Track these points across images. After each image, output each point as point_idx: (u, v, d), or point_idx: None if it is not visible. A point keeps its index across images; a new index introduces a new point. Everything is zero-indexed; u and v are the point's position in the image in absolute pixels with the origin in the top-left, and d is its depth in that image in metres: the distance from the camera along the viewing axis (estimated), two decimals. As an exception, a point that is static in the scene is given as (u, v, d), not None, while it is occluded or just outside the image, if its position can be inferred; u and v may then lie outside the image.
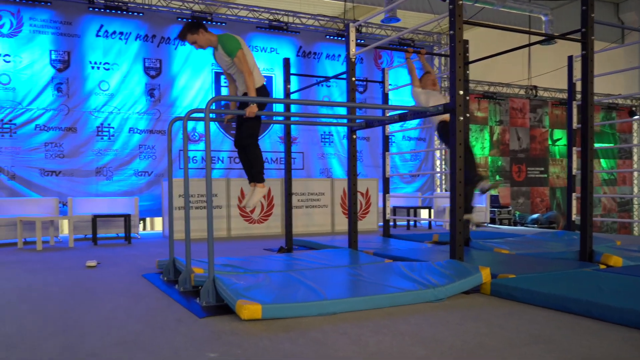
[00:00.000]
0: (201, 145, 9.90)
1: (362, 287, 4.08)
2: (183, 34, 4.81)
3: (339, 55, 11.00)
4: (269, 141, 10.45)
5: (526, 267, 4.89)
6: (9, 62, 8.77)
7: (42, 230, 7.50)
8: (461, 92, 4.27)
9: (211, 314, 3.61)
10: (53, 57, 9.03)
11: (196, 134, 9.90)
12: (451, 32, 4.31)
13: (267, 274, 4.44)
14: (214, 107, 4.35)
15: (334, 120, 8.19)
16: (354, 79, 5.57)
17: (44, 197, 8.61)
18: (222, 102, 8.40)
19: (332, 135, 10.97)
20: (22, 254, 6.92)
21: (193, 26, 4.79)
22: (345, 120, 6.15)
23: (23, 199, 8.43)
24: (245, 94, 4.83)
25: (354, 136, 5.67)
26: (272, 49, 10.43)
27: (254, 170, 5.04)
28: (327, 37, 10.91)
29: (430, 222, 10.15)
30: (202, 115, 5.17)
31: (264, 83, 4.94)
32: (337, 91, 10.90)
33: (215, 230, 8.43)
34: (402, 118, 4.83)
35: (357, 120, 5.55)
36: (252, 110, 4.63)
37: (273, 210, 9.13)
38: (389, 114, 5.16)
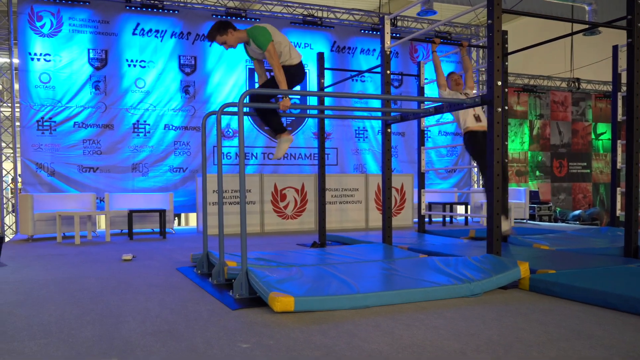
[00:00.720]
0: (235, 142, 9.96)
1: (395, 281, 4.01)
2: (212, 36, 4.73)
3: (374, 50, 10.90)
4: (303, 137, 10.43)
5: (567, 262, 4.73)
6: (49, 61, 8.97)
7: (80, 225, 7.65)
8: (499, 83, 4.15)
9: (244, 306, 3.60)
10: (91, 55, 9.20)
11: (230, 130, 9.95)
12: (489, 21, 4.19)
13: (299, 268, 4.42)
14: (246, 101, 4.35)
15: (368, 114, 8.10)
16: (388, 72, 5.48)
17: (82, 193, 8.79)
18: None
19: (366, 130, 10.88)
20: (61, 248, 7.07)
21: (221, 26, 4.71)
22: (379, 114, 6.06)
23: (62, 195, 8.62)
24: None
25: (389, 130, 5.59)
26: (306, 44, 10.41)
27: (273, 123, 4.95)
28: (362, 31, 10.82)
29: (466, 218, 9.96)
30: (234, 109, 5.19)
31: (301, 60, 4.86)
32: (371, 86, 10.80)
33: (248, 225, 8.47)
34: (438, 110, 4.73)
35: (392, 114, 5.46)
36: (285, 104, 4.59)
37: (307, 206, 9.10)
38: (424, 106, 5.07)
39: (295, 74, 4.75)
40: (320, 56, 6.63)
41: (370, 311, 3.46)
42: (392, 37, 10.93)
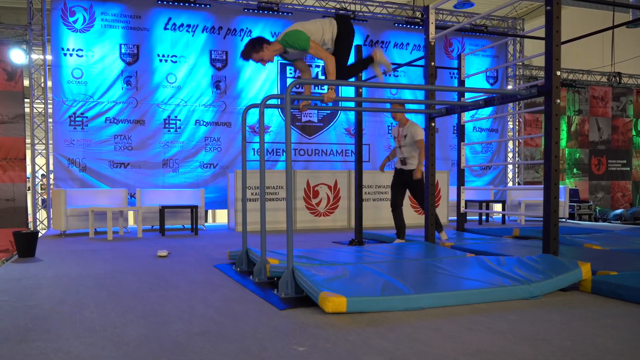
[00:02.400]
0: (267, 137, 9.82)
1: (448, 281, 3.81)
2: (247, 54, 4.50)
3: (408, 44, 10.66)
4: (335, 133, 10.25)
5: (625, 263, 4.48)
6: (81, 56, 8.94)
7: (112, 220, 7.59)
8: (558, 73, 3.91)
9: (291, 305, 3.44)
10: (123, 50, 9.14)
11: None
12: (548, 7, 3.96)
13: (344, 266, 4.24)
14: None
15: (411, 107, 7.89)
16: (433, 63, 5.27)
17: (113, 189, 8.73)
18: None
19: (399, 126, 10.66)
20: (94, 243, 7.00)
21: (256, 43, 4.47)
22: (422, 107, 5.85)
23: (93, 190, 8.58)
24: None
25: (433, 124, 5.38)
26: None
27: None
28: (396, 25, 10.59)
29: (504, 217, 9.67)
30: (274, 102, 5.03)
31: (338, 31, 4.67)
32: (405, 81, 10.55)
33: (279, 222, 8.32)
34: (489, 103, 4.51)
35: (437, 107, 5.25)
36: (330, 95, 4.41)
37: (339, 203, 8.92)
38: (464, 99, 4.84)
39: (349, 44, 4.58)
40: (358, 49, 6.43)
41: (426, 313, 3.27)
42: (423, 32, 10.69)
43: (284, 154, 9.92)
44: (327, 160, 10.16)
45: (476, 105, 4.60)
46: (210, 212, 13.80)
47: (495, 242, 5.87)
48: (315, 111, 10.00)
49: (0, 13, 12.60)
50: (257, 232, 6.43)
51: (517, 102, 11.07)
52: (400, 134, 6.10)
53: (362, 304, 3.26)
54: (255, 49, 4.47)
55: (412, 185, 6.03)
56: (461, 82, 7.29)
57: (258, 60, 4.52)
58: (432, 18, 5.31)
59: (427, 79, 5.30)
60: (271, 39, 9.62)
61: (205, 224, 9.53)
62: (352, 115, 10.17)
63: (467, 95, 7.60)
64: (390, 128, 10.62)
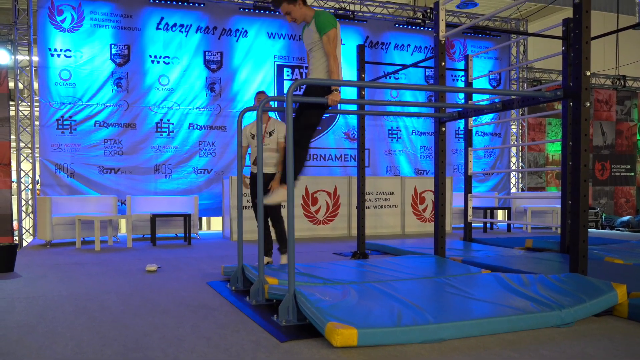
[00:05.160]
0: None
1: (468, 306, 3.41)
2: (279, 1, 4.24)
3: (409, 46, 10.28)
4: (333, 137, 9.85)
5: (656, 282, 4.09)
6: (69, 57, 8.53)
7: (100, 229, 7.17)
8: (588, 73, 3.54)
9: (293, 336, 3.04)
10: (113, 51, 8.73)
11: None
12: (576, 0, 3.58)
13: (350, 286, 3.84)
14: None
15: (418, 110, 7.51)
16: (443, 63, 4.89)
17: (102, 195, 8.32)
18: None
19: (400, 130, 10.26)
20: (80, 255, 6.58)
21: None
22: (431, 110, 5.47)
23: (82, 197, 8.16)
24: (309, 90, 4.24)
25: (443, 129, 5.00)
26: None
27: (297, 167, 4.30)
28: (396, 25, 10.21)
29: (509, 225, 9.30)
30: (273, 105, 4.63)
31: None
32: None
33: (278, 231, 7.91)
34: (507, 106, 4.13)
35: (447, 111, 4.87)
36: (335, 98, 4.02)
37: (339, 211, 8.53)
38: (472, 102, 4.47)
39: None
40: (361, 49, 6.05)
41: (447, 346, 2.88)
42: (425, 33, 10.33)
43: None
44: (325, 165, 9.77)
45: (493, 109, 4.22)
46: (204, 219, 13.39)
47: (508, 255, 5.48)
48: (314, 115, 9.60)
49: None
50: (253, 242, 6.05)
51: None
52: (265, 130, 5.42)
53: (376, 337, 2.87)
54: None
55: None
56: (468, 84, 6.91)
57: (286, 12, 4.24)
58: (442, 15, 4.94)
59: (437, 80, 4.92)
60: (267, 41, 9.24)
61: (199, 232, 9.13)
62: (351, 118, 9.80)
63: (474, 98, 7.24)
64: (390, 132, 10.23)
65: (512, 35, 10.83)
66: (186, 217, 7.85)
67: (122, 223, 9.72)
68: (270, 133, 5.40)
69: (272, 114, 9.33)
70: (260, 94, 5.50)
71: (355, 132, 9.85)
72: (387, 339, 2.87)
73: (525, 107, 10.70)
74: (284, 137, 5.35)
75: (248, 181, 5.54)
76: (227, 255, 6.06)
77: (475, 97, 7.24)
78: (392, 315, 3.11)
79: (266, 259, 5.46)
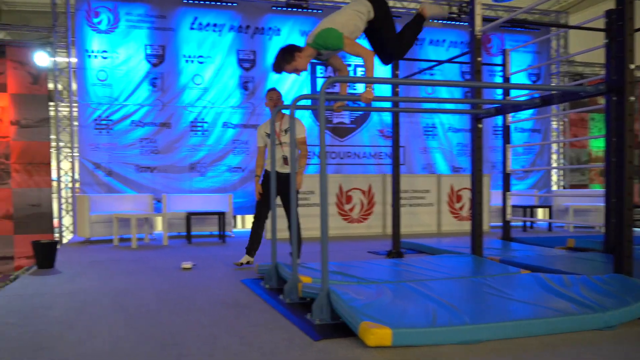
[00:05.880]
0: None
1: (505, 306, 3.32)
2: (279, 67, 4.03)
3: (444, 41, 10.11)
4: (367, 135, 9.77)
5: None
6: (106, 58, 8.67)
7: (137, 227, 7.28)
8: (632, 66, 3.40)
9: (327, 335, 3.01)
10: (148, 51, 8.85)
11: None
12: (619, -10, 3.45)
13: (384, 285, 3.80)
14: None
15: (454, 107, 7.35)
16: (479, 59, 4.78)
17: (139, 194, 8.45)
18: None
19: (435, 127, 10.10)
20: (117, 252, 6.70)
21: (286, 53, 3.98)
22: (467, 107, 5.36)
23: (119, 195, 8.31)
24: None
25: (480, 125, 4.89)
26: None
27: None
28: (431, 20, 10.02)
29: (550, 224, 9.06)
30: (305, 103, 4.60)
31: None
32: (440, 79, 10.01)
33: (310, 229, 7.87)
34: (546, 102, 4.00)
35: (485, 106, 4.76)
36: (368, 96, 3.94)
37: (374, 209, 8.46)
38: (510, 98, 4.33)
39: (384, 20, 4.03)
40: (395, 44, 5.96)
41: (485, 348, 2.80)
42: (461, 28, 10.14)
43: (315, 157, 9.50)
44: (359, 163, 9.70)
45: (531, 104, 4.10)
46: (239, 217, 13.47)
47: (549, 255, 5.33)
48: (348, 112, 9.55)
49: (30, 17, 12.53)
50: (287, 240, 6.05)
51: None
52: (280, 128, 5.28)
53: (410, 337, 2.81)
54: (286, 59, 3.96)
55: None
56: (506, 80, 6.75)
57: (292, 71, 4.01)
58: (478, 9, 4.82)
59: (473, 75, 4.81)
60: (300, 39, 9.23)
61: (234, 229, 9.17)
62: (385, 116, 9.69)
63: (511, 93, 7.06)
64: (426, 129, 10.09)
65: (552, 28, 10.53)
66: (220, 215, 7.90)
67: (158, 221, 9.84)
68: (286, 130, 5.32)
69: (305, 112, 9.40)
70: (272, 91, 5.43)
71: (390, 130, 9.77)
72: (421, 339, 2.82)
73: (566, 103, 10.41)
74: (300, 132, 5.27)
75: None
76: (260, 253, 6.05)
77: (514, 93, 7.06)
78: (427, 315, 3.05)
79: (247, 258, 5.41)
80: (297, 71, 4.04)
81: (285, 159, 5.26)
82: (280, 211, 7.69)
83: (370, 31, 4.06)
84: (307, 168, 9.40)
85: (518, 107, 4.48)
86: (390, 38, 4.00)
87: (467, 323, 2.93)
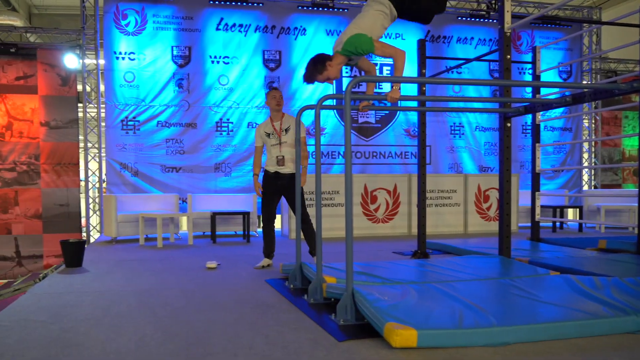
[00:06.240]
0: (322, 139, 9.40)
1: (534, 308, 3.24)
2: (311, 77, 3.97)
3: (472, 38, 9.97)
4: (393, 134, 9.69)
5: None
6: (133, 59, 8.78)
7: (162, 226, 7.34)
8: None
9: (351, 336, 2.98)
10: (174, 52, 8.93)
11: (314, 127, 9.37)
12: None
13: (409, 286, 3.74)
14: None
15: (482, 106, 7.21)
16: (508, 56, 4.69)
17: (164, 194, 8.53)
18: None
19: (462, 126, 9.98)
20: (143, 251, 6.76)
21: (317, 63, 3.92)
22: (495, 106, 5.26)
23: (145, 195, 8.40)
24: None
25: (508, 125, 4.79)
26: (397, 35, 9.65)
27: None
28: (459, 18, 9.93)
29: (580, 224, 8.86)
30: (329, 103, 4.57)
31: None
32: (468, 78, 9.89)
33: (335, 229, 7.88)
34: (578, 100, 3.90)
35: (513, 105, 4.66)
36: (394, 95, 3.89)
37: (399, 209, 8.38)
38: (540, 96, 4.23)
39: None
40: (422, 43, 5.90)
41: (512, 350, 2.73)
42: (490, 25, 10.00)
43: (340, 157, 9.48)
44: (385, 163, 9.64)
45: (562, 103, 4.00)
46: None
47: (579, 256, 5.20)
48: (373, 111, 9.50)
49: (60, 20, 12.78)
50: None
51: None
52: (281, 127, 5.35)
53: (436, 338, 2.76)
54: (318, 69, 3.90)
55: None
56: (536, 78, 6.61)
57: (324, 80, 3.96)
58: (507, 6, 4.73)
59: (502, 73, 4.72)
60: (325, 39, 9.19)
61: (258, 229, 9.19)
62: (412, 115, 9.61)
63: (541, 92, 6.92)
64: (452, 128, 9.96)
65: (584, 24, 10.30)
66: (245, 215, 7.93)
67: (183, 220, 9.93)
68: (286, 130, 5.38)
69: (330, 112, 9.37)
70: (275, 90, 5.53)
71: (416, 129, 9.68)
72: (447, 341, 2.77)
73: (599, 100, 10.17)
74: (303, 131, 5.29)
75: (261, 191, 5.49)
76: (284, 253, 6.06)
77: (544, 91, 6.91)
78: (454, 317, 2.99)
79: (266, 261, 5.43)
80: (329, 80, 4.02)
81: (280, 160, 5.33)
82: (308, 211, 7.70)
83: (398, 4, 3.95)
84: (332, 167, 9.42)
85: (548, 105, 4.38)
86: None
87: (495, 325, 2.87)
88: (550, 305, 3.26)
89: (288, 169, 5.38)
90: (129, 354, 2.72)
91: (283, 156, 5.34)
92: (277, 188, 5.41)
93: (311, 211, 7.72)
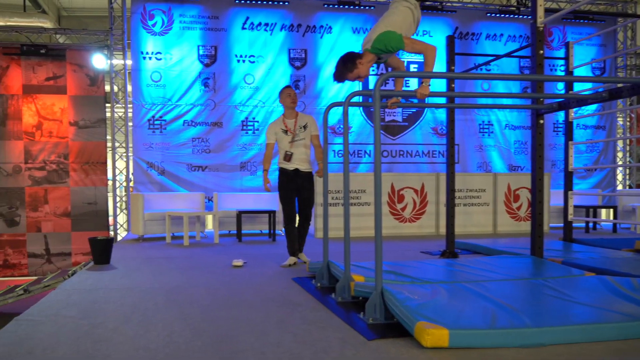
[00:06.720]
0: (349, 138, 9.31)
1: (570, 309, 3.14)
2: (341, 76, 3.94)
3: (501, 35, 9.79)
4: (420, 132, 9.57)
5: None
6: (160, 59, 8.84)
7: (188, 225, 7.37)
8: None
9: (380, 335, 2.92)
10: (201, 52, 8.97)
11: (342, 126, 9.32)
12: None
13: (439, 285, 3.67)
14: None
15: (512, 102, 7.06)
16: (541, 52, 4.56)
17: (190, 192, 8.57)
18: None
19: (492, 124, 9.80)
20: (170, 249, 6.79)
21: (347, 62, 3.89)
22: (527, 102, 5.13)
23: (171, 194, 8.44)
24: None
25: (541, 121, 4.66)
26: (425, 32, 9.52)
27: None
28: (488, 14, 9.76)
29: (615, 225, 8.63)
30: (357, 100, 4.51)
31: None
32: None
33: (361, 228, 7.81)
34: (615, 95, 3.77)
35: (547, 101, 4.54)
36: (423, 92, 3.83)
37: (426, 208, 8.27)
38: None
39: None
40: (451, 40, 5.80)
41: (548, 352, 2.64)
42: (519, 21, 9.82)
43: (366, 155, 9.41)
44: (412, 162, 9.52)
45: (598, 98, 3.87)
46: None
47: (615, 257, 5.05)
48: (400, 110, 9.41)
49: (88, 22, 12.97)
50: (336, 239, 5.98)
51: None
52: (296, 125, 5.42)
53: (468, 338, 2.69)
54: (348, 68, 3.88)
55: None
56: (569, 74, 6.44)
57: (354, 78, 3.95)
58: (540, 0, 4.61)
59: (535, 69, 4.59)
60: (351, 37, 9.12)
61: (284, 228, 9.18)
62: (439, 113, 9.49)
63: (574, 88, 6.74)
64: (481, 127, 9.79)
65: (619, 19, 10.03)
66: (271, 214, 7.91)
67: (209, 219, 9.96)
68: (304, 127, 5.43)
69: (356, 110, 9.31)
70: (289, 89, 5.56)
71: (444, 127, 9.55)
72: (480, 341, 2.69)
73: (633, 97, 9.89)
74: (316, 129, 5.48)
75: (269, 186, 5.55)
76: (311, 252, 6.02)
77: (577, 88, 6.73)
78: (486, 317, 2.91)
79: (293, 260, 5.40)
80: (359, 78, 4.00)
81: (289, 156, 5.39)
82: (333, 210, 7.66)
83: None
84: (359, 166, 9.35)
85: (583, 101, 4.24)
86: None
87: (529, 326, 2.78)
88: (586, 307, 3.16)
89: (305, 167, 5.47)
90: (158, 350, 2.71)
91: (291, 153, 5.40)
92: (296, 185, 5.42)
93: (338, 210, 7.71)
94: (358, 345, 2.78)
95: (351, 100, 3.94)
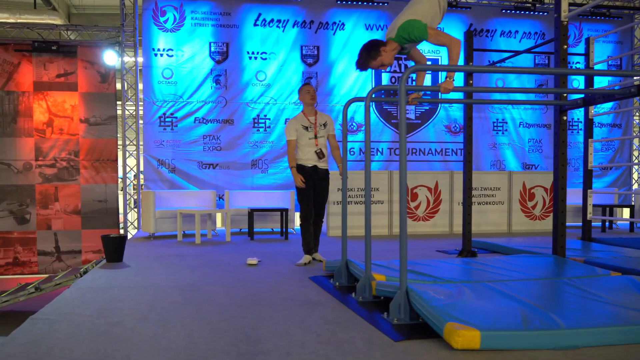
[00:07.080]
0: (359, 136, 9.24)
1: (604, 310, 3.04)
2: (364, 64, 3.90)
3: (516, 32, 9.64)
4: (433, 130, 9.46)
5: None
6: (171, 56, 8.78)
7: (200, 223, 7.30)
8: None
9: (407, 336, 2.84)
10: (212, 49, 8.89)
11: (354, 123, 9.23)
12: None
13: (462, 285, 3.57)
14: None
15: (533, 98, 6.94)
16: (565, 46, 4.45)
17: (201, 190, 8.50)
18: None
19: (506, 122, 9.67)
20: (181, 247, 6.72)
21: (371, 49, 3.84)
22: (546, 99, 5.02)
23: (182, 192, 8.38)
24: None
25: (564, 118, 4.55)
26: (439, 29, 9.39)
27: None
28: (503, 11, 9.63)
29: (632, 224, 8.50)
30: (370, 96, 4.41)
31: None
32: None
33: (375, 227, 7.70)
34: (643, 89, 3.66)
35: (570, 97, 4.43)
36: (447, 86, 3.74)
37: (440, 207, 8.17)
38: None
39: None
40: (469, 35, 5.70)
41: (583, 354, 2.55)
42: (535, 18, 9.69)
43: (379, 153, 9.31)
44: (425, 160, 9.42)
45: (627, 94, 3.76)
46: (297, 214, 13.43)
47: (638, 257, 4.93)
48: (413, 108, 9.30)
49: (97, 20, 12.92)
50: (351, 238, 5.89)
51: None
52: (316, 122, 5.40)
53: (500, 340, 2.60)
54: (372, 55, 3.83)
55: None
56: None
57: (378, 67, 3.89)
58: (564, -7, 4.50)
59: (558, 64, 4.49)
60: (364, 33, 9.02)
61: (296, 227, 9.11)
62: (452, 111, 9.38)
63: (595, 85, 6.61)
64: (495, 125, 9.67)
65: (637, 16, 9.87)
66: (283, 212, 7.84)
67: (219, 217, 9.90)
68: (324, 125, 5.42)
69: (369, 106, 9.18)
70: (309, 85, 5.56)
71: (457, 125, 9.44)
72: (513, 343, 2.60)
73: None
74: (333, 129, 5.51)
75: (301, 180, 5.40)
76: (326, 251, 5.93)
77: (597, 85, 6.58)
78: (517, 318, 2.82)
79: (307, 258, 5.33)
80: (383, 66, 3.94)
81: (319, 153, 5.34)
82: (351, 208, 7.57)
83: None
84: (371, 164, 9.23)
85: (609, 97, 4.13)
86: None
87: (563, 327, 2.69)
88: (619, 307, 3.06)
89: (325, 163, 5.43)
90: (180, 351, 2.63)
91: (321, 149, 5.36)
92: (314, 182, 5.34)
93: (359, 208, 7.63)
94: (385, 346, 2.69)
95: (371, 96, 3.85)
